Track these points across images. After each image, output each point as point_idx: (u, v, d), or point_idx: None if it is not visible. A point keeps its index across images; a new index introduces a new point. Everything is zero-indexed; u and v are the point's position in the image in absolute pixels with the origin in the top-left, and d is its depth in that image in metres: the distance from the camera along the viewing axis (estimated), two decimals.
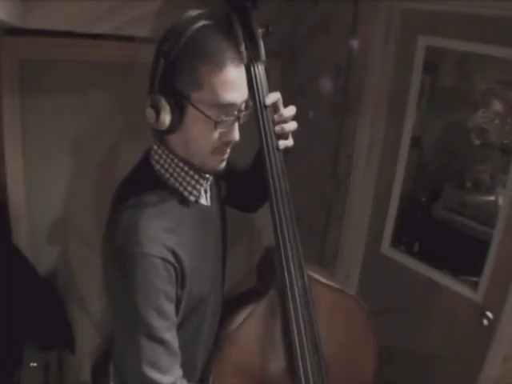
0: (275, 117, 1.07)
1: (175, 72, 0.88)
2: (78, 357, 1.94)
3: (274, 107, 1.08)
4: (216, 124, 0.89)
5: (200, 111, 0.88)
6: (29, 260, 1.76)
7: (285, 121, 1.08)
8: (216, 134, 0.91)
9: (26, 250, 1.77)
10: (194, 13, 0.91)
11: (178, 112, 0.88)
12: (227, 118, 0.90)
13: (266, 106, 1.06)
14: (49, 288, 1.84)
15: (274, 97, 1.07)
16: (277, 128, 1.07)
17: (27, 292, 1.68)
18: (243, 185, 1.22)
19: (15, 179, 1.73)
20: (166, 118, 0.88)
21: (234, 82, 0.88)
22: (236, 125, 0.93)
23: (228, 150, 0.97)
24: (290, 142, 1.11)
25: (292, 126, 1.09)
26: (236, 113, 0.92)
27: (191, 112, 0.89)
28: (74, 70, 1.71)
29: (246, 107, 0.95)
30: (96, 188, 1.87)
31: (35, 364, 1.62)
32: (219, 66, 0.86)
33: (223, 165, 0.98)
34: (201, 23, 0.88)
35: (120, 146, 1.88)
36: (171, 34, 0.89)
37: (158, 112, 0.88)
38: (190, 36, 0.87)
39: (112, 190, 0.99)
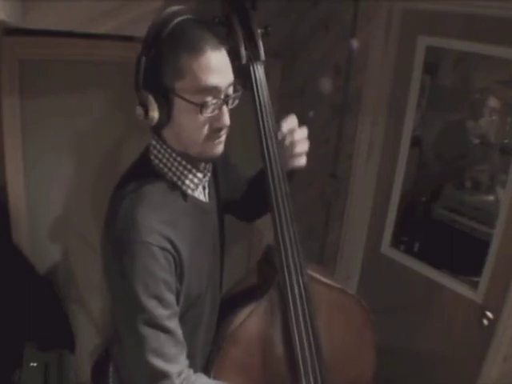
0: (287, 142, 1.08)
1: (157, 65, 0.89)
2: (78, 357, 1.94)
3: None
4: (201, 109, 0.89)
5: (185, 99, 0.89)
6: (28, 259, 1.76)
7: (299, 142, 1.10)
8: (205, 121, 0.92)
9: (25, 249, 1.77)
10: (174, 8, 0.93)
11: (165, 106, 0.90)
12: (213, 101, 0.90)
13: (265, 107, 1.06)
14: (49, 287, 1.84)
15: (291, 123, 1.08)
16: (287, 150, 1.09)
17: (27, 292, 1.68)
18: (244, 193, 1.23)
19: (15, 179, 1.73)
20: (155, 113, 0.90)
21: (214, 66, 0.89)
22: (225, 109, 0.93)
23: (222, 136, 0.97)
24: (302, 161, 1.13)
25: (304, 146, 1.11)
26: (222, 96, 0.92)
27: (178, 103, 0.90)
28: (73, 69, 1.71)
29: (234, 91, 0.96)
30: (96, 188, 1.87)
31: (35, 364, 1.62)
32: (198, 51, 0.87)
33: (220, 148, 0.98)
34: (181, 17, 0.91)
35: (119, 146, 1.88)
36: (153, 28, 0.91)
37: (146, 109, 0.90)
38: (170, 28, 0.89)
39: (112, 189, 0.99)
